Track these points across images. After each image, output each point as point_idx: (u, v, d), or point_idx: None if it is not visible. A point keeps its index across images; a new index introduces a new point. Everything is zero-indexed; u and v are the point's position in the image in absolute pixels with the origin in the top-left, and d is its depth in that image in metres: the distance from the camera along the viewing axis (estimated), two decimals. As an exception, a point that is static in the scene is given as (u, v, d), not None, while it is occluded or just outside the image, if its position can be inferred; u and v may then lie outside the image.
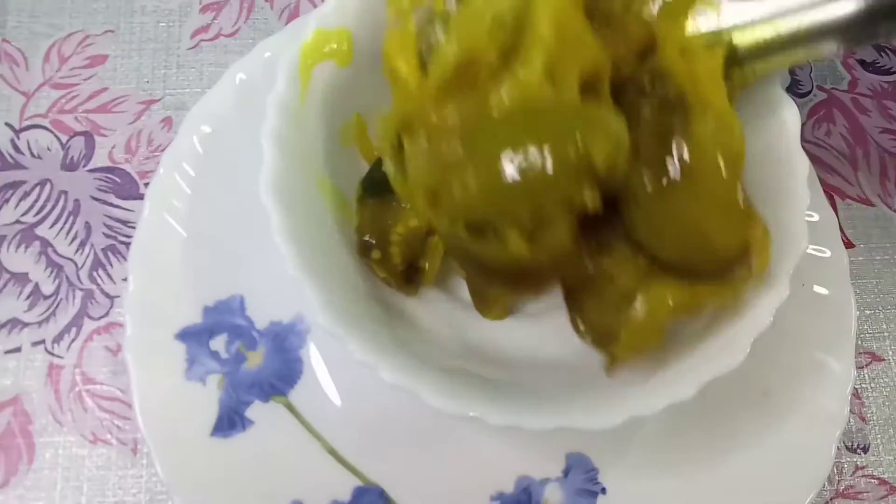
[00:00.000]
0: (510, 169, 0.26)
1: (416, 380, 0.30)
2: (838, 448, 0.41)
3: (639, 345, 0.31)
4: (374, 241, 0.36)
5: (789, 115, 0.33)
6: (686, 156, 0.28)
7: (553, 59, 0.26)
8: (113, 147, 0.45)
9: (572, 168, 0.26)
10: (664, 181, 0.28)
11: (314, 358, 0.40)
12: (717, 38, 0.31)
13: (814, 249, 0.40)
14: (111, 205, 0.44)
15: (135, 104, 0.46)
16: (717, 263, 0.29)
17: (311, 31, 0.35)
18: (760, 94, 0.34)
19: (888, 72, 0.49)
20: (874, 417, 0.42)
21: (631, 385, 0.33)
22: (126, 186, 0.44)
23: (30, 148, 0.44)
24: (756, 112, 0.35)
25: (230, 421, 0.38)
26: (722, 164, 0.28)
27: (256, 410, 0.38)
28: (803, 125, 0.47)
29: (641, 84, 0.29)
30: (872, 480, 0.41)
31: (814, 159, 0.46)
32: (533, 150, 0.26)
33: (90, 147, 0.45)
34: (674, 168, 0.28)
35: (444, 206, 0.29)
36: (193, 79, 0.46)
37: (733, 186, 0.28)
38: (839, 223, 0.44)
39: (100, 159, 0.44)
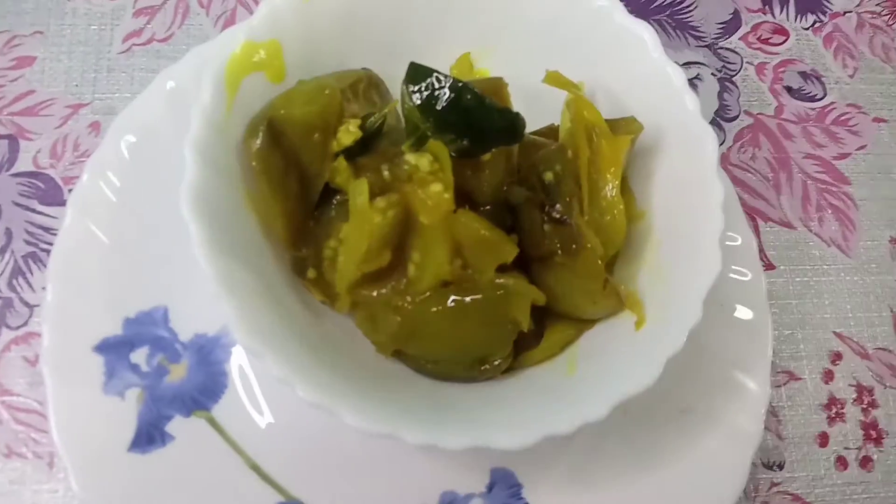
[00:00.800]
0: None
1: (333, 398, 0.30)
2: (754, 464, 0.42)
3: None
4: (308, 258, 0.36)
5: (708, 143, 0.34)
6: (570, 245, 0.34)
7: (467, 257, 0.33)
8: (38, 151, 0.44)
9: (507, 335, 0.35)
10: (554, 260, 0.34)
11: (240, 372, 0.39)
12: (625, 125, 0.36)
13: (734, 272, 0.42)
14: (34, 211, 0.43)
15: (62, 108, 0.45)
16: (592, 317, 0.37)
17: (240, 42, 0.35)
18: (682, 121, 0.35)
19: (813, 98, 0.51)
20: (790, 435, 0.44)
21: (546, 403, 0.33)
22: (50, 192, 0.43)
23: (-51, 150, 0.43)
24: (678, 139, 0.36)
25: (149, 436, 0.37)
26: (597, 255, 0.34)
27: (177, 425, 0.38)
28: (729, 148, 0.48)
29: (531, 181, 0.35)
30: (787, 496, 0.43)
31: (738, 182, 0.48)
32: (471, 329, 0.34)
33: (14, 151, 0.43)
34: (560, 253, 0.34)
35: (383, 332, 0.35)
36: (124, 83, 0.46)
37: (601, 273, 0.34)
38: (761, 245, 0.46)
39: (23, 164, 0.43)
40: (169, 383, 0.39)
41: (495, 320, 0.34)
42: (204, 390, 0.39)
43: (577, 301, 0.36)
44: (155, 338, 0.39)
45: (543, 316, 0.37)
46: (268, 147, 0.34)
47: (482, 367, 0.36)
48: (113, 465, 0.36)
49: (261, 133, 0.34)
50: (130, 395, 0.38)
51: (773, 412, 0.44)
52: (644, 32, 0.36)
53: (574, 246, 0.34)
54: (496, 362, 0.36)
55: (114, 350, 0.38)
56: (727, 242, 0.41)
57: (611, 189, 0.35)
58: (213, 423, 0.38)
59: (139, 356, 0.38)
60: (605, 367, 0.34)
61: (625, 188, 0.37)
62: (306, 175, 0.35)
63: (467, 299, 0.34)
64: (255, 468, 0.38)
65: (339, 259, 0.34)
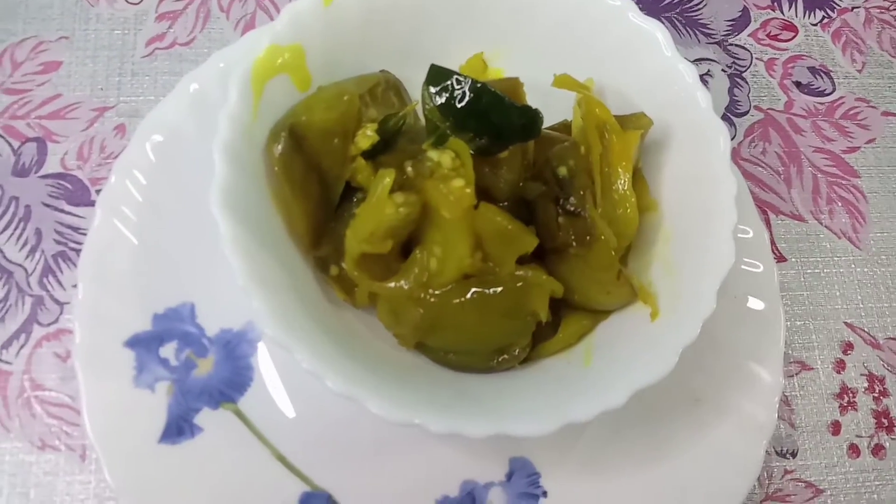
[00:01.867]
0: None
1: (360, 388, 0.31)
2: (768, 453, 0.43)
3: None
4: (329, 256, 0.37)
5: (720, 138, 0.35)
6: (585, 237, 0.36)
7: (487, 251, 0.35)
8: (65, 153, 0.45)
9: (526, 326, 0.36)
10: (569, 252, 0.36)
11: (265, 365, 0.40)
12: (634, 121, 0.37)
13: (746, 264, 0.42)
14: (62, 211, 0.44)
15: (88, 111, 0.46)
16: (606, 308, 0.38)
17: (264, 46, 0.36)
18: (694, 117, 0.36)
19: (822, 93, 0.51)
20: (803, 424, 0.44)
21: (564, 392, 0.34)
22: (77, 193, 0.44)
23: (-20, 153, 0.44)
24: (690, 135, 0.37)
25: (178, 428, 0.39)
26: (610, 246, 0.35)
27: (205, 417, 0.39)
28: (740, 143, 0.49)
29: (546, 176, 0.36)
30: (800, 484, 0.43)
31: (749, 177, 0.48)
32: (491, 321, 0.35)
33: (42, 153, 0.45)
34: (574, 244, 0.36)
35: (405, 324, 0.36)
36: (147, 87, 0.47)
37: (615, 264, 0.36)
38: (772, 238, 0.47)
39: (52, 165, 0.45)
40: (197, 377, 0.40)
41: (515, 312, 0.36)
42: (230, 383, 0.40)
43: (592, 291, 0.37)
44: (183, 333, 0.40)
45: (560, 307, 0.38)
46: (289, 152, 0.35)
47: (501, 358, 0.37)
48: (144, 457, 0.37)
49: (283, 139, 0.35)
50: (160, 389, 0.39)
51: (785, 401, 0.45)
52: (657, 31, 0.37)
53: (588, 237, 0.35)
54: (515, 352, 0.37)
55: (144, 345, 0.39)
56: (739, 235, 0.42)
57: (622, 183, 0.36)
58: (239, 414, 0.40)
59: (168, 351, 0.40)
60: (621, 358, 0.35)
61: (638, 179, 0.38)
62: (327, 178, 0.36)
63: (488, 291, 0.35)
64: (281, 458, 0.39)
65: (346, 232, 0.35)
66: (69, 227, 0.44)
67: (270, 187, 0.36)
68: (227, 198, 0.33)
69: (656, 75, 0.37)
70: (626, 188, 0.36)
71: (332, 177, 0.36)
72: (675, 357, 0.32)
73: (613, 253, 0.35)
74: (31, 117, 0.45)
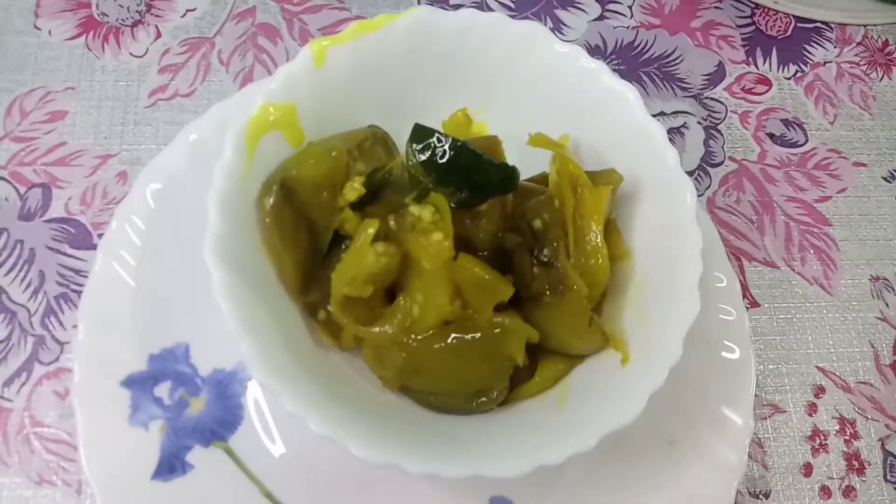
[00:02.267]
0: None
1: (342, 430, 0.33)
2: (741, 493, 0.45)
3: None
4: (318, 302, 0.39)
5: (686, 194, 0.37)
6: (558, 287, 0.37)
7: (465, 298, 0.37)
8: (69, 199, 0.47)
9: (504, 370, 0.38)
10: (543, 300, 0.38)
11: (255, 405, 0.42)
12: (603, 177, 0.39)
13: (721, 312, 0.44)
14: (65, 254, 0.46)
15: (92, 158, 0.48)
16: (580, 353, 0.40)
17: (259, 104, 0.38)
18: (662, 173, 0.38)
19: (795, 144, 0.54)
20: (775, 465, 0.46)
21: (538, 435, 0.36)
22: (80, 237, 0.46)
23: (-12, 198, 0.47)
24: (659, 189, 0.39)
25: (171, 465, 0.40)
26: (582, 295, 0.37)
27: (197, 455, 0.41)
28: (715, 192, 0.51)
29: (522, 228, 0.38)
30: (773, 524, 0.45)
31: (723, 225, 0.50)
32: (470, 365, 0.37)
33: (47, 198, 0.47)
34: (548, 293, 0.37)
35: (389, 367, 0.38)
36: (149, 136, 0.49)
37: (586, 311, 0.37)
38: (745, 284, 0.49)
39: (56, 210, 0.47)
40: (189, 415, 0.41)
41: (493, 356, 0.38)
42: (221, 422, 0.42)
43: (566, 337, 0.39)
44: (177, 373, 0.42)
45: (536, 352, 0.40)
46: (280, 204, 0.37)
47: (480, 400, 0.39)
48: (137, 493, 0.39)
49: (274, 191, 0.37)
50: (154, 427, 0.40)
51: (758, 443, 0.46)
52: (629, 92, 0.40)
53: (561, 287, 0.37)
54: (493, 395, 0.39)
55: (139, 384, 0.41)
56: (716, 284, 0.44)
57: (594, 235, 0.38)
58: (229, 452, 0.41)
59: (162, 390, 0.41)
60: (593, 402, 0.37)
61: (612, 229, 0.41)
62: (316, 228, 0.38)
63: (467, 337, 0.37)
64: (269, 496, 0.41)
65: (332, 276, 0.37)
66: (71, 269, 0.46)
67: (262, 237, 0.38)
68: (219, 247, 0.35)
69: (628, 133, 0.40)
70: (597, 240, 0.38)
71: (320, 227, 0.38)
72: (643, 402, 0.34)
73: (585, 301, 0.37)
74: (37, 164, 0.48)
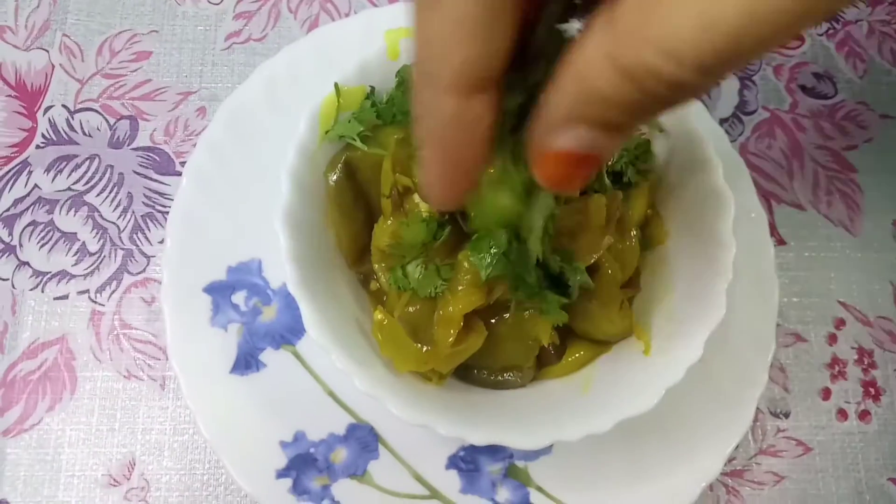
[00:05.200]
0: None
1: (383, 391, 0.37)
2: (762, 412, 0.48)
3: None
4: (370, 272, 0.43)
5: (729, 206, 0.39)
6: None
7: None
8: (154, 130, 0.52)
9: (530, 349, 0.41)
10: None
11: (319, 316, 0.47)
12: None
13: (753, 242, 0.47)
14: (151, 178, 0.51)
15: (174, 94, 0.53)
16: (608, 337, 0.42)
17: (333, 86, 0.41)
18: (707, 180, 0.40)
19: (825, 97, 0.56)
20: (796, 389, 0.49)
21: (560, 414, 0.39)
22: (164, 164, 0.51)
23: (82, 127, 0.52)
24: (701, 195, 0.41)
25: (246, 362, 0.45)
26: (616, 279, 0.40)
27: (269, 356, 0.45)
28: (748, 139, 0.54)
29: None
30: (791, 441, 0.48)
31: (755, 168, 0.54)
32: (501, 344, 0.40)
33: (134, 129, 0.52)
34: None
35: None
36: (226, 75, 0.54)
37: (618, 295, 0.40)
38: (773, 223, 0.52)
39: (142, 140, 0.52)
40: (262, 322, 0.46)
41: (521, 336, 0.40)
42: (290, 329, 0.46)
43: (597, 320, 0.41)
44: (251, 284, 0.47)
45: (566, 337, 0.43)
46: (343, 181, 0.41)
47: (508, 375, 0.42)
48: (217, 385, 0.44)
49: (339, 169, 0.41)
50: (232, 329, 0.45)
51: (780, 368, 0.49)
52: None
53: (596, 272, 0.40)
54: (521, 373, 0.42)
55: (219, 291, 0.46)
56: (751, 215, 0.47)
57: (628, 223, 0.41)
58: (297, 355, 0.46)
59: (239, 298, 0.46)
60: (614, 390, 0.40)
61: (654, 215, 0.44)
62: (372, 205, 0.42)
63: (496, 318, 0.40)
64: (332, 394, 0.45)
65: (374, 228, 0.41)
66: (156, 192, 0.51)
67: (326, 209, 0.42)
68: (289, 217, 0.39)
69: (675, 135, 0.42)
70: (631, 224, 0.41)
71: (377, 204, 0.42)
72: (659, 396, 0.37)
73: (618, 286, 0.40)
74: (125, 98, 0.53)
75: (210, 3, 0.56)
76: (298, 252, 0.39)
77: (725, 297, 0.38)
